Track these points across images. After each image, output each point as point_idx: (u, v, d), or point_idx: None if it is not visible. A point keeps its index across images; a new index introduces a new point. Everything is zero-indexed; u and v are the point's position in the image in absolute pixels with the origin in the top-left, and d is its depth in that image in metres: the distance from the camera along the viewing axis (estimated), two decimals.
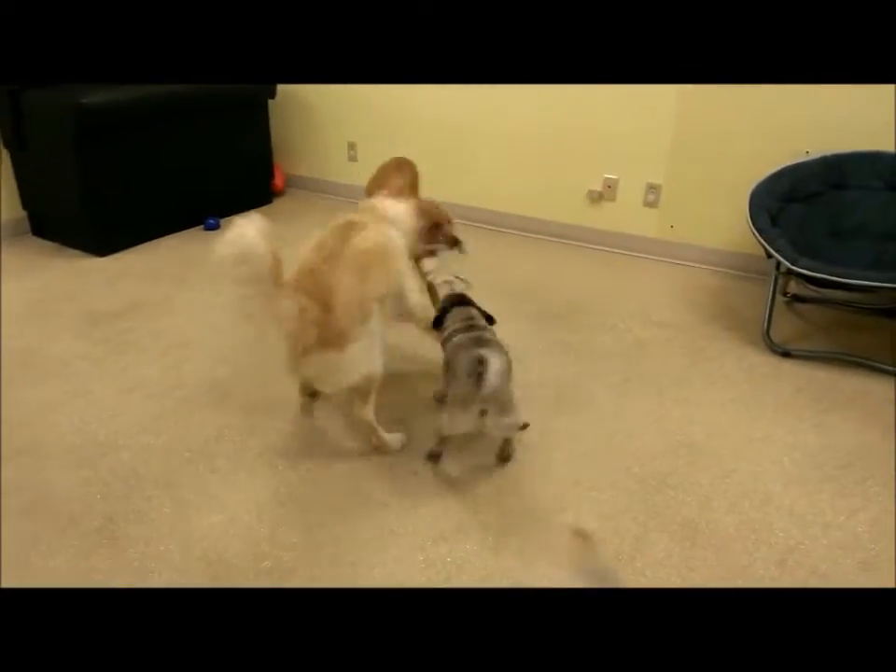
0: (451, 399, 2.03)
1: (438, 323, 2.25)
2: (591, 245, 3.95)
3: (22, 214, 3.98)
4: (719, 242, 3.61)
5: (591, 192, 3.83)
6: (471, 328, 2.14)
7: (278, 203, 4.66)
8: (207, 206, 4.21)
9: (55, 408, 2.43)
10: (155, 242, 3.95)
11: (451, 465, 2.19)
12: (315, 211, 4.50)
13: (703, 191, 3.57)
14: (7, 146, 3.79)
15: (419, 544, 1.90)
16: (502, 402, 1.98)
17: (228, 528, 1.93)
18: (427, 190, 4.41)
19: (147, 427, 2.34)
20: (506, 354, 2.04)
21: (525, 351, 2.84)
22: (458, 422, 2.01)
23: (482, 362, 1.88)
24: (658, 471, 2.17)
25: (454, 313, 2.23)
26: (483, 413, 1.95)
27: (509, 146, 4.00)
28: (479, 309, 2.28)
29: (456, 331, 2.14)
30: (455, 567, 1.82)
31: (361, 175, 4.63)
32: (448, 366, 2.10)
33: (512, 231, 4.17)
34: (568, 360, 2.79)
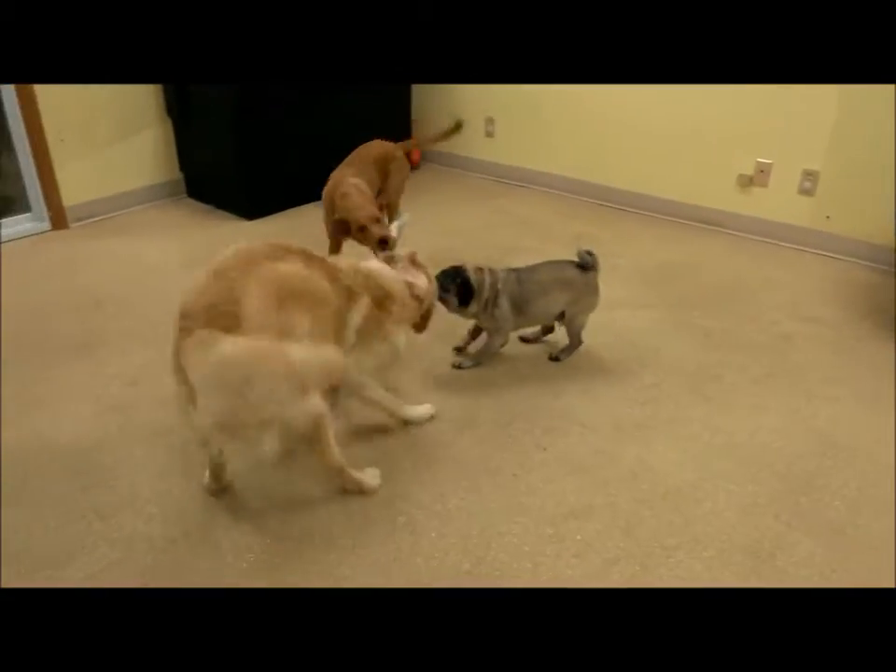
0: (584, 298, 2.52)
1: (467, 297, 2.40)
2: (738, 233, 3.77)
3: (179, 176, 4.26)
4: (879, 236, 3.35)
5: (741, 177, 3.65)
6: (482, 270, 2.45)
7: (413, 177, 4.71)
8: None
9: None
10: (298, 209, 4.11)
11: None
12: (448, 186, 4.55)
13: (865, 181, 3.32)
14: (169, 113, 4.05)
15: (548, 518, 1.90)
16: None
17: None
18: (567, 170, 4.37)
19: None
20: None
21: (662, 336, 2.77)
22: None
23: (590, 253, 2.47)
24: (803, 471, 2.07)
25: (474, 276, 2.41)
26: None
27: (654, 124, 3.87)
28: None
29: (502, 279, 2.44)
30: (584, 545, 1.81)
31: (498, 151, 4.66)
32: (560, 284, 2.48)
33: (655, 215, 4.04)
34: (709, 349, 2.69)
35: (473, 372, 2.53)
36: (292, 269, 1.79)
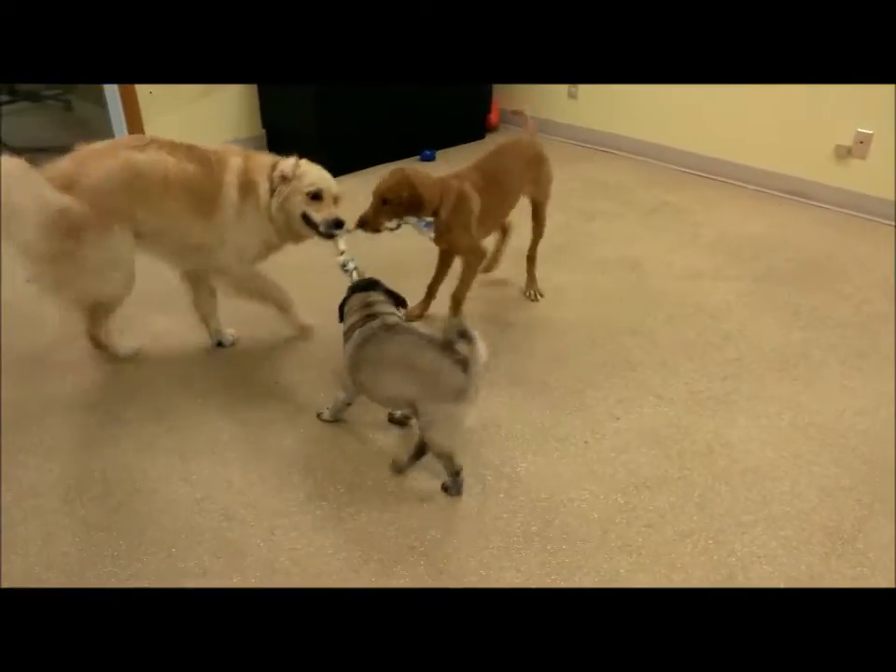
0: (438, 401, 1.72)
1: (341, 314, 1.98)
2: (831, 206, 3.59)
3: (261, 132, 4.32)
4: None
5: (838, 147, 3.46)
6: (370, 316, 1.89)
7: (490, 140, 4.67)
8: (424, 138, 4.33)
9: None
10: (375, 168, 4.11)
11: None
12: None
13: None
14: None
15: (619, 488, 1.87)
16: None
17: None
18: (652, 135, 4.22)
19: None
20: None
21: (746, 310, 2.68)
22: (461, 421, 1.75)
23: (465, 334, 1.64)
24: (890, 455, 1.98)
25: (353, 300, 1.96)
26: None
27: (745, 87, 3.67)
28: (387, 291, 1.99)
29: (356, 324, 1.89)
30: (657, 515, 1.78)
31: (581, 114, 4.54)
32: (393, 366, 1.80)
33: (742, 184, 3.88)
34: (796, 326, 2.58)
35: (546, 339, 2.51)
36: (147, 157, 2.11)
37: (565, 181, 3.91)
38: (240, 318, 2.52)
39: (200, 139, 3.98)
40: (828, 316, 2.64)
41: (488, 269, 2.77)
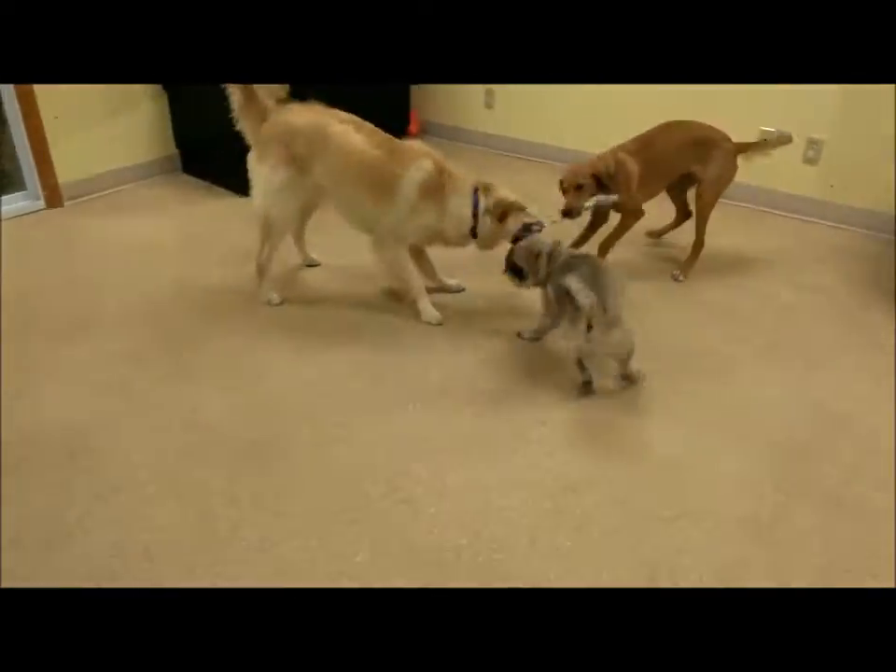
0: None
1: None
2: (737, 203, 3.72)
3: (174, 152, 4.20)
4: (885, 205, 3.31)
5: None
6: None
7: None
8: None
9: (208, 335, 2.59)
10: None
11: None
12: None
13: (871, 149, 3.27)
14: (165, 87, 3.99)
15: (547, 493, 1.90)
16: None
17: (361, 460, 2.01)
18: (567, 142, 4.30)
19: (295, 360, 2.46)
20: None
21: (656, 308, 2.76)
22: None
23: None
24: (801, 441, 2.07)
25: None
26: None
27: (654, 92, 3.75)
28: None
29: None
30: (583, 517, 1.81)
31: (498, 123, 4.60)
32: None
33: None
34: (707, 322, 2.67)
35: (473, 347, 2.52)
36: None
37: None
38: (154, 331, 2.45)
39: (110, 162, 3.93)
40: (737, 310, 2.74)
41: (653, 235, 3.31)
